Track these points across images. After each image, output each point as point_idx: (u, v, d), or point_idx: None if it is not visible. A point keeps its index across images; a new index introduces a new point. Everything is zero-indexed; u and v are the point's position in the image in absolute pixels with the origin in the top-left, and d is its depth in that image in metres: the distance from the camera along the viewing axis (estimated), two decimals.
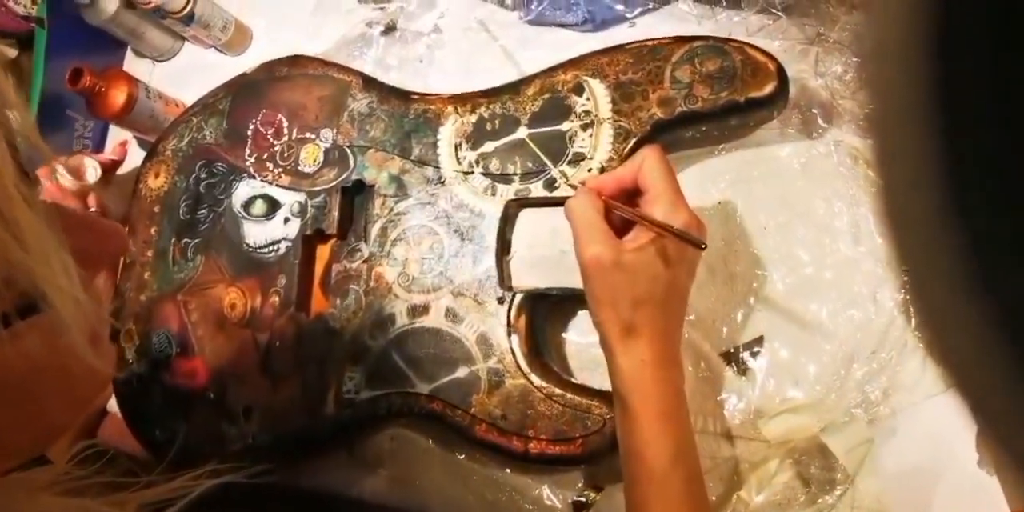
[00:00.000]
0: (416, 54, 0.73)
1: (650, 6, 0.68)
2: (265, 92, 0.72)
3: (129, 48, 0.93)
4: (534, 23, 0.71)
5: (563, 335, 0.63)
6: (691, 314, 0.59)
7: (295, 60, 0.72)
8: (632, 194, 0.52)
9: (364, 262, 0.64)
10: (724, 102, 0.55)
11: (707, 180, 0.62)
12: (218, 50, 0.87)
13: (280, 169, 0.69)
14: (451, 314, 0.59)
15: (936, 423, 0.52)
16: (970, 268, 0.11)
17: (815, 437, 0.51)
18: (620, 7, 0.68)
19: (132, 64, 0.94)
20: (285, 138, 0.70)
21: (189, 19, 0.78)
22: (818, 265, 0.57)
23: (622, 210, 0.50)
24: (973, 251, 0.11)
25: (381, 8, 0.73)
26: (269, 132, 0.70)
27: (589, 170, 0.58)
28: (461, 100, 0.64)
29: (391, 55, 0.73)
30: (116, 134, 0.91)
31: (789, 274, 0.58)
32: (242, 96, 0.73)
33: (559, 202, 0.59)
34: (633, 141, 0.57)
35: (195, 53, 0.90)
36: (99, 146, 0.91)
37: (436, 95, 0.65)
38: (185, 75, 0.90)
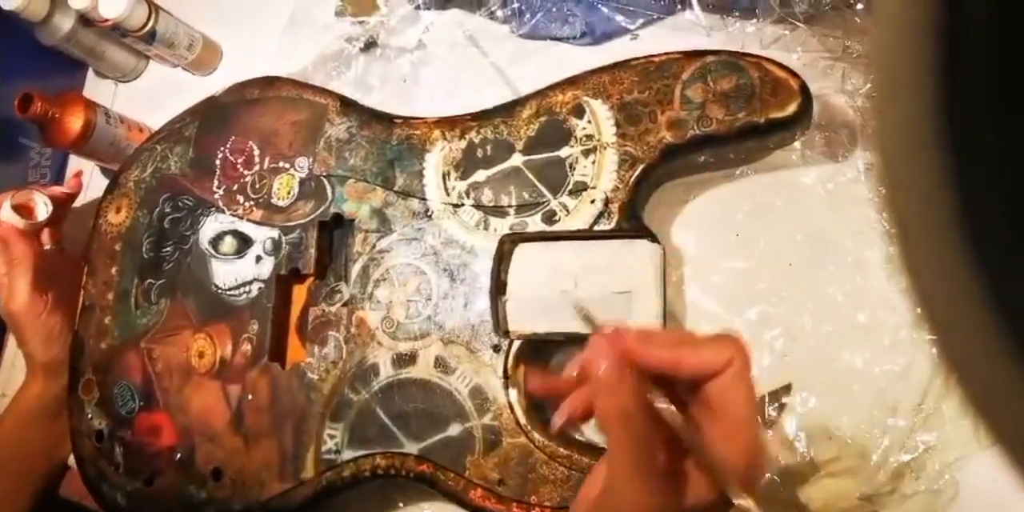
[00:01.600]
0: (399, 73, 0.70)
1: (654, 17, 0.64)
2: (235, 117, 0.68)
3: (90, 68, 0.89)
4: (527, 37, 0.68)
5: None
6: None
7: (267, 82, 0.68)
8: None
9: (344, 305, 0.59)
10: (742, 124, 0.51)
11: (723, 209, 0.58)
12: (185, 70, 0.83)
13: (251, 202, 0.65)
14: (441, 364, 0.55)
15: (994, 479, 0.48)
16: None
17: (860, 507, 0.46)
18: (621, 18, 0.65)
19: (94, 85, 0.90)
20: (256, 168, 0.66)
21: (151, 37, 0.74)
22: (851, 305, 0.53)
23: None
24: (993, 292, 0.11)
25: (360, 22, 0.69)
26: (239, 161, 0.66)
27: (592, 201, 0.54)
28: (449, 124, 0.60)
29: (372, 74, 0.70)
30: (77, 163, 0.87)
31: (818, 315, 0.53)
32: (210, 122, 0.69)
33: (559, 237, 0.55)
34: (640, 168, 0.53)
35: (161, 73, 0.86)
36: (58, 176, 0.87)
37: (421, 119, 0.61)
38: (151, 96, 0.87)
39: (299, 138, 0.65)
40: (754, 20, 0.61)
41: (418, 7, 0.69)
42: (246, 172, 0.66)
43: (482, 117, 0.59)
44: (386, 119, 0.63)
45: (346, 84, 0.70)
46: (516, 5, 0.66)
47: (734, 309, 0.56)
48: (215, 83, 0.76)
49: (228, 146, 0.67)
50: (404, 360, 0.56)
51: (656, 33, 0.65)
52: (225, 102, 0.70)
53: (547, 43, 0.68)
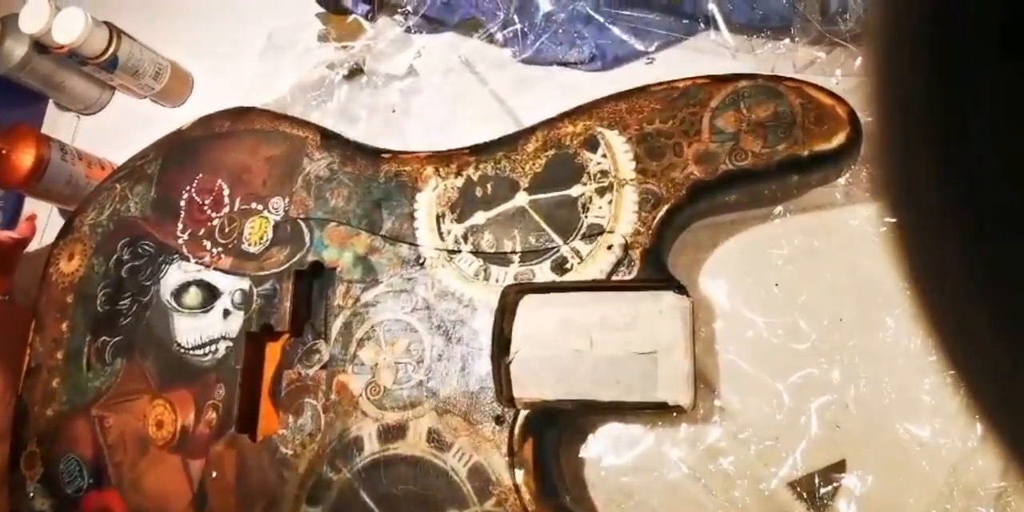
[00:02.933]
0: (388, 102, 0.64)
1: (672, 38, 0.59)
2: (202, 152, 0.63)
3: (51, 100, 0.84)
4: (530, 62, 0.62)
5: (581, 456, 0.52)
6: (745, 430, 0.49)
7: (239, 113, 0.63)
8: None
9: (323, 368, 0.53)
10: (782, 158, 0.46)
11: (759, 255, 0.52)
12: (154, 101, 0.78)
13: (219, 249, 0.59)
14: (435, 438, 0.48)
15: None
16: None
17: None
18: (634, 40, 0.59)
19: (54, 119, 0.85)
20: (226, 209, 0.60)
21: (112, 65, 0.69)
22: (913, 366, 0.47)
23: None
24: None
25: (344, 47, 0.64)
26: (206, 202, 0.61)
27: (609, 247, 0.48)
28: (444, 159, 0.54)
29: (357, 104, 0.64)
30: (33, 205, 0.81)
31: (876, 379, 0.47)
32: (175, 158, 0.64)
33: (571, 288, 0.49)
34: (665, 208, 0.47)
35: (127, 104, 0.81)
36: (12, 220, 0.81)
37: (412, 153, 0.56)
38: (116, 130, 0.81)
39: (274, 176, 0.59)
40: (785, 40, 0.56)
41: (408, 30, 0.64)
42: (214, 214, 0.60)
43: (481, 151, 0.54)
44: (372, 154, 0.57)
45: (328, 115, 0.65)
46: (517, 26, 0.61)
47: (775, 371, 0.49)
48: (187, 115, 0.70)
49: (194, 185, 0.62)
50: (392, 433, 0.50)
51: (674, 56, 0.60)
52: (192, 136, 0.64)
53: (552, 69, 0.63)
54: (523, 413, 0.47)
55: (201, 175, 0.62)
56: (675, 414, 0.49)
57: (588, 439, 0.51)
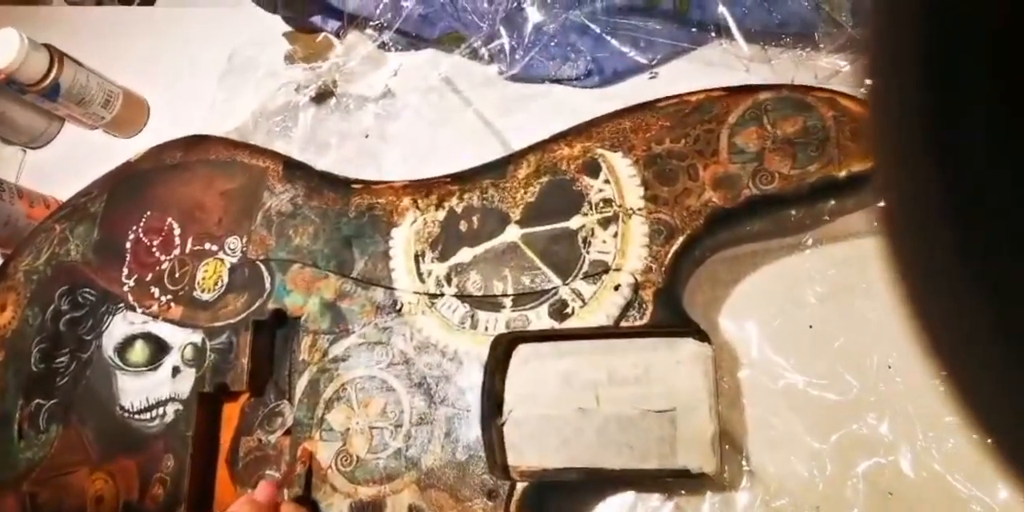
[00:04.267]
0: (361, 127, 0.59)
1: (678, 48, 0.54)
2: (151, 187, 0.57)
3: None
4: (520, 79, 0.57)
5: None
6: (780, 498, 0.43)
7: (192, 142, 0.58)
8: None
9: (287, 433, 0.47)
10: (815, 180, 0.41)
11: (788, 292, 0.46)
12: (107, 132, 0.73)
13: (169, 296, 0.53)
14: None
15: None
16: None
17: None
18: (635, 53, 0.55)
19: None
20: (176, 252, 0.54)
21: (54, 92, 0.64)
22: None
23: None
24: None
25: (312, 68, 0.59)
26: (155, 243, 0.55)
27: (616, 287, 0.42)
28: (422, 189, 0.49)
29: (327, 130, 0.59)
30: None
31: (934, 436, 0.41)
32: (121, 194, 0.58)
33: (573, 336, 0.43)
34: (680, 241, 0.42)
35: (77, 136, 0.76)
36: None
37: (387, 184, 0.51)
38: (65, 165, 0.76)
39: (231, 212, 0.54)
40: (806, 48, 0.51)
41: (383, 46, 0.59)
42: (163, 257, 0.55)
43: (465, 179, 0.48)
44: (342, 185, 0.52)
45: (295, 143, 0.59)
46: (504, 40, 0.56)
47: (814, 429, 0.44)
48: (143, 146, 0.65)
49: (142, 224, 0.56)
50: (367, 511, 0.44)
51: (680, 69, 0.55)
52: (141, 169, 0.59)
53: (544, 86, 0.58)
54: (520, 486, 0.41)
55: (149, 213, 0.56)
56: (699, 481, 0.43)
57: None
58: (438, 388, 0.44)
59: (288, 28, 0.67)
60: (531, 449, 0.43)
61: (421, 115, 0.58)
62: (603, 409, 0.43)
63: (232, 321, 0.51)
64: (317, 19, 0.64)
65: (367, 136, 0.58)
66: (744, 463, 0.44)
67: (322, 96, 0.60)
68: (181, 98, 0.71)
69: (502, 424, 0.44)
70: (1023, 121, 0.11)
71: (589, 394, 0.43)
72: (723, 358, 0.46)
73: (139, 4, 0.82)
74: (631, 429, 0.42)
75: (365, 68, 0.60)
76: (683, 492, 0.44)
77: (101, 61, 0.71)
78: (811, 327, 0.45)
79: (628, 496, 0.45)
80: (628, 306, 0.42)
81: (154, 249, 0.55)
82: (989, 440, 0.14)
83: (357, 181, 0.52)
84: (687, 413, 0.41)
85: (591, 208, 0.44)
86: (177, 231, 0.55)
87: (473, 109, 0.57)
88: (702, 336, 0.42)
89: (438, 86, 0.58)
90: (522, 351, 0.45)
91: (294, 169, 0.53)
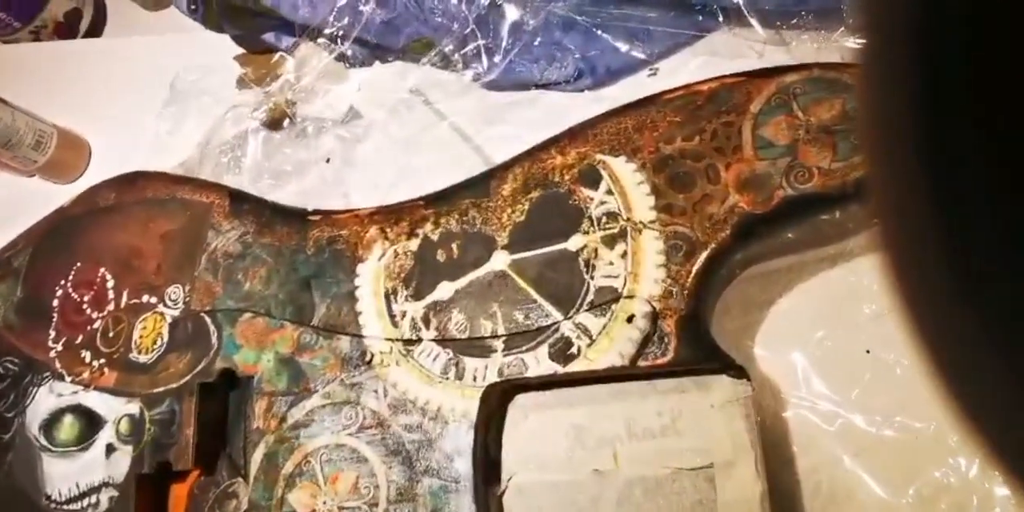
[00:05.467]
0: (322, 153, 0.53)
1: (679, 39, 0.48)
2: (82, 235, 0.51)
3: None
4: (500, 87, 0.52)
5: None
6: None
7: (128, 180, 0.52)
8: None
9: None
10: (863, 173, 0.34)
11: (836, 312, 0.40)
12: (43, 178, 0.67)
13: (102, 361, 0.47)
14: None
15: None
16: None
17: None
18: (631, 47, 0.49)
19: None
20: (110, 307, 0.48)
21: None
22: None
23: None
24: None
25: (265, 93, 0.53)
26: (86, 299, 0.49)
27: (630, 319, 0.35)
28: (391, 216, 0.43)
29: (283, 158, 0.53)
30: None
31: None
32: (48, 245, 0.52)
33: (581, 381, 0.37)
34: (703, 257, 0.35)
35: (8, 184, 0.69)
36: None
37: (350, 212, 0.44)
38: None
39: (171, 257, 0.47)
40: (829, 28, 0.45)
41: (341, 59, 0.53)
42: (95, 315, 0.48)
43: (441, 201, 0.42)
44: (297, 217, 0.45)
45: (245, 175, 0.53)
46: (480, 42, 0.50)
47: (886, 480, 0.37)
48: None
49: (71, 278, 0.50)
50: None
51: (683, 63, 0.50)
52: (72, 215, 0.53)
53: (529, 93, 0.52)
54: None
55: (79, 264, 0.50)
56: None
57: None
58: (420, 455, 0.37)
59: (240, 51, 0.61)
60: None
61: (390, 134, 0.52)
62: (624, 470, 0.35)
63: (174, 386, 0.44)
64: (270, 37, 0.59)
65: (328, 160, 0.52)
66: None
67: (276, 120, 0.55)
68: (127, 136, 0.65)
69: (501, 494, 0.37)
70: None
71: (606, 452, 0.36)
72: (763, 397, 0.39)
73: (84, 36, 0.77)
74: (660, 493, 0.35)
75: (323, 84, 0.54)
76: None
77: (35, 100, 0.65)
78: (868, 352, 0.39)
79: None
80: (646, 341, 0.35)
81: (85, 306, 0.49)
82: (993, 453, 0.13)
83: (315, 212, 0.45)
84: (727, 469, 0.34)
85: (592, 225, 0.38)
86: (111, 283, 0.48)
87: (449, 123, 0.51)
88: (738, 372, 0.35)
89: (407, 99, 0.52)
90: (520, 402, 0.38)
91: (242, 202, 0.47)
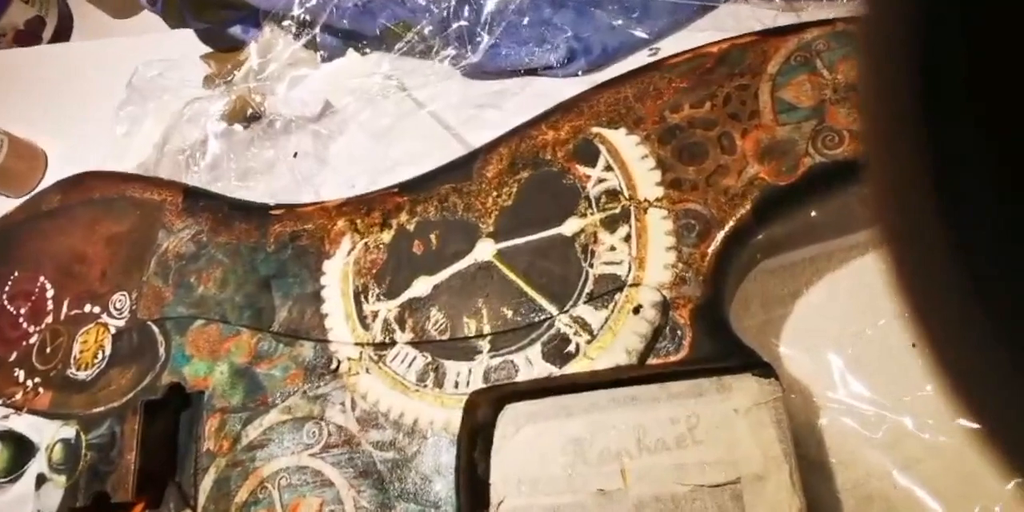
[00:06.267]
0: (290, 148, 0.49)
1: (682, 12, 0.45)
2: (22, 243, 0.47)
3: None
4: (486, 73, 0.47)
5: None
6: None
7: (74, 182, 0.48)
8: None
9: None
10: None
11: (871, 302, 0.35)
12: None
13: (37, 379, 0.42)
14: None
15: None
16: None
17: None
18: (628, 24, 0.45)
19: None
20: (48, 319, 0.43)
21: None
22: None
23: None
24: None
25: (227, 82, 0.49)
26: (22, 312, 0.44)
27: (637, 309, 0.31)
28: (362, 206, 0.38)
29: (248, 156, 0.49)
30: None
31: None
32: None
33: (583, 387, 0.32)
34: (721, 236, 0.31)
35: None
36: None
37: (316, 204, 0.40)
38: None
39: (117, 262, 0.43)
40: None
41: (311, 46, 0.49)
42: (32, 329, 0.43)
43: (417, 187, 0.38)
44: (258, 212, 0.41)
45: (207, 175, 0.49)
46: (463, 23, 0.46)
47: (945, 494, 0.31)
48: None
49: (7, 289, 0.45)
50: None
51: (686, 40, 0.45)
52: (13, 222, 0.48)
53: (516, 81, 0.47)
54: None
55: (17, 274, 0.46)
56: None
57: None
58: (393, 476, 0.32)
59: (208, 49, 0.57)
60: None
61: (364, 126, 0.48)
62: (634, 489, 0.31)
63: (115, 404, 0.39)
64: (237, 30, 0.55)
65: (295, 155, 0.48)
66: None
67: (238, 112, 0.50)
68: (85, 144, 0.61)
69: None
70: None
71: (612, 468, 0.31)
72: (792, 402, 0.34)
73: (51, 42, 0.73)
74: None
75: (290, 72, 0.50)
76: None
77: None
78: (915, 345, 0.34)
79: None
80: (656, 335, 0.31)
81: (21, 320, 0.44)
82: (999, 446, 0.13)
83: (276, 207, 0.41)
84: (757, 485, 0.29)
85: (590, 206, 0.34)
86: (50, 293, 0.44)
87: (428, 111, 0.47)
88: (765, 370, 0.30)
89: (382, 86, 0.48)
90: (510, 414, 0.33)
91: (197, 199, 0.43)
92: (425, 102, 0.47)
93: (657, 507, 0.30)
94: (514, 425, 0.33)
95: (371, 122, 0.48)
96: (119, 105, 0.55)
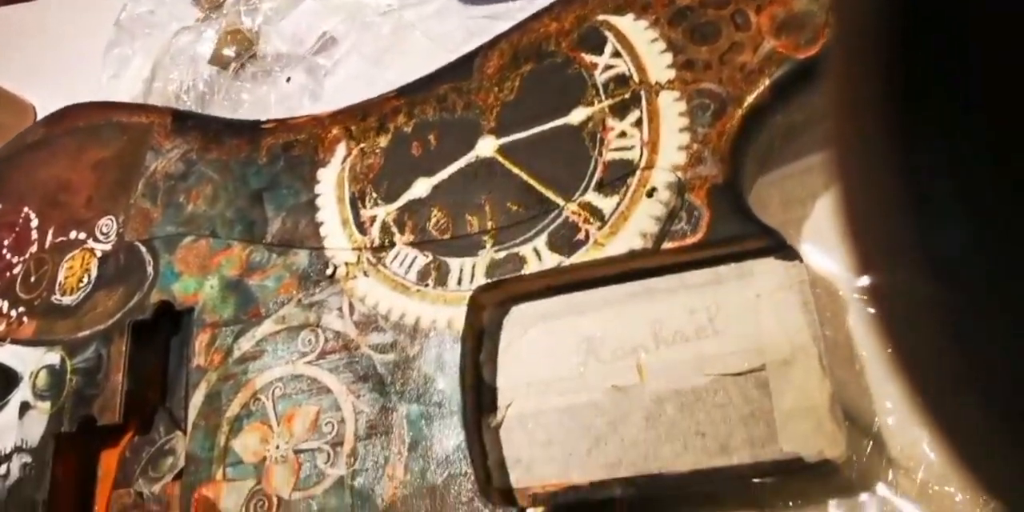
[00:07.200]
0: (284, 78, 0.47)
1: None
2: (5, 179, 0.45)
3: None
4: None
5: None
6: (937, 484, 0.29)
7: (58, 115, 0.46)
8: None
9: (177, 477, 0.33)
10: None
11: None
12: None
13: (21, 309, 0.40)
14: None
15: None
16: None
17: None
18: None
19: None
20: (33, 249, 0.42)
21: None
22: None
23: None
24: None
25: (217, 6, 0.48)
26: (6, 244, 0.43)
27: (651, 192, 0.29)
28: (358, 113, 0.37)
29: (238, 88, 0.47)
30: None
31: None
32: None
33: (591, 282, 0.30)
34: (738, 114, 0.29)
35: None
36: None
37: (309, 116, 0.38)
38: None
39: (104, 187, 0.41)
40: None
41: None
42: (16, 259, 0.42)
43: (415, 90, 0.36)
44: (249, 128, 0.40)
45: (197, 107, 0.48)
46: None
47: None
48: None
49: None
50: None
51: None
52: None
53: (516, 4, 0.46)
54: None
55: (0, 207, 0.44)
56: (816, 478, 0.29)
57: None
58: (394, 378, 0.31)
59: None
60: (545, 460, 0.29)
61: (360, 52, 0.47)
62: (651, 384, 0.29)
63: (101, 327, 0.38)
64: None
65: (288, 80, 0.46)
66: (869, 442, 0.30)
67: (230, 44, 0.49)
68: (74, 95, 0.60)
69: (496, 427, 0.30)
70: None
71: (627, 364, 0.30)
72: (818, 296, 0.32)
73: None
74: (699, 407, 0.28)
75: (287, 5, 0.49)
76: (794, 503, 0.29)
77: None
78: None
79: None
80: (671, 216, 0.29)
81: (5, 251, 0.43)
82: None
83: (268, 121, 0.40)
84: (784, 371, 0.27)
85: (598, 94, 0.32)
86: (35, 223, 0.43)
87: (426, 34, 0.45)
88: (789, 252, 0.29)
89: (378, 8, 0.46)
90: (516, 316, 0.32)
91: (186, 120, 0.42)
92: (430, 27, 0.45)
93: (677, 400, 0.28)
94: (521, 327, 0.32)
95: (366, 46, 0.46)
96: (107, 46, 0.54)
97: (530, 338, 0.31)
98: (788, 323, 0.28)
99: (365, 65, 0.46)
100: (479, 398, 0.31)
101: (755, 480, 0.27)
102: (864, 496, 0.29)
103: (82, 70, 0.60)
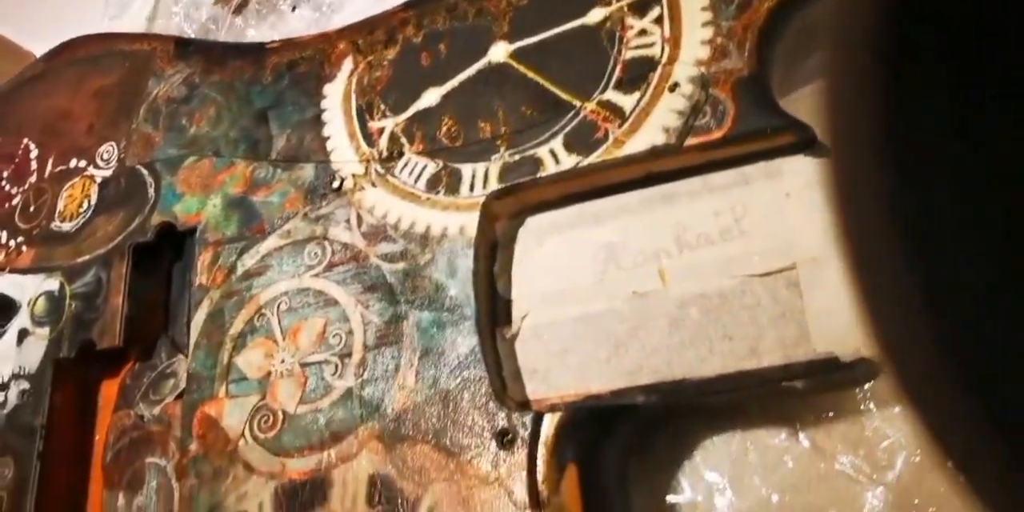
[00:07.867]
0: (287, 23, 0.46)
1: None
2: (5, 112, 0.44)
3: None
4: None
5: (671, 502, 0.30)
6: None
7: (58, 49, 0.45)
8: None
9: (178, 397, 0.32)
10: None
11: None
12: None
13: (20, 238, 0.40)
14: (384, 495, 0.27)
15: None
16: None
17: None
18: None
19: None
20: (32, 179, 0.41)
21: None
22: None
23: None
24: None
25: None
26: (5, 175, 0.42)
27: (673, 87, 0.28)
28: (365, 29, 0.36)
29: (239, 28, 0.46)
30: None
31: None
32: None
33: (608, 190, 0.29)
34: (766, 8, 0.28)
35: None
36: None
37: (316, 34, 0.37)
38: None
39: (105, 114, 0.41)
40: None
41: None
42: (15, 190, 0.41)
43: (425, 1, 0.35)
44: (253, 50, 0.39)
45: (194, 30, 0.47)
46: None
47: None
48: None
49: None
50: (303, 497, 0.28)
51: None
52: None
53: None
54: (550, 419, 0.26)
55: (0, 139, 0.43)
56: (849, 383, 0.28)
57: (684, 466, 0.29)
58: (404, 287, 0.30)
59: None
60: (563, 370, 0.28)
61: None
62: (675, 288, 0.28)
63: (101, 251, 0.37)
64: None
65: (294, 9, 0.45)
66: None
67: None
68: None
69: (512, 338, 0.29)
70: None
71: (648, 270, 0.28)
72: None
73: None
74: (726, 310, 0.27)
75: None
76: (827, 414, 0.28)
77: None
78: None
79: (734, 436, 0.29)
80: (695, 110, 0.28)
81: (4, 182, 0.42)
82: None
83: (273, 42, 0.39)
84: (815, 269, 0.26)
85: None
86: (34, 153, 0.42)
87: None
88: (819, 149, 0.27)
89: None
90: (532, 226, 0.31)
91: (188, 46, 0.41)
92: None
93: (702, 304, 0.27)
94: (536, 238, 0.31)
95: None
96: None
97: (546, 249, 0.30)
98: (819, 220, 0.27)
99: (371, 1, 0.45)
100: (494, 309, 0.29)
101: (785, 384, 0.26)
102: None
103: (84, 18, 0.59)
